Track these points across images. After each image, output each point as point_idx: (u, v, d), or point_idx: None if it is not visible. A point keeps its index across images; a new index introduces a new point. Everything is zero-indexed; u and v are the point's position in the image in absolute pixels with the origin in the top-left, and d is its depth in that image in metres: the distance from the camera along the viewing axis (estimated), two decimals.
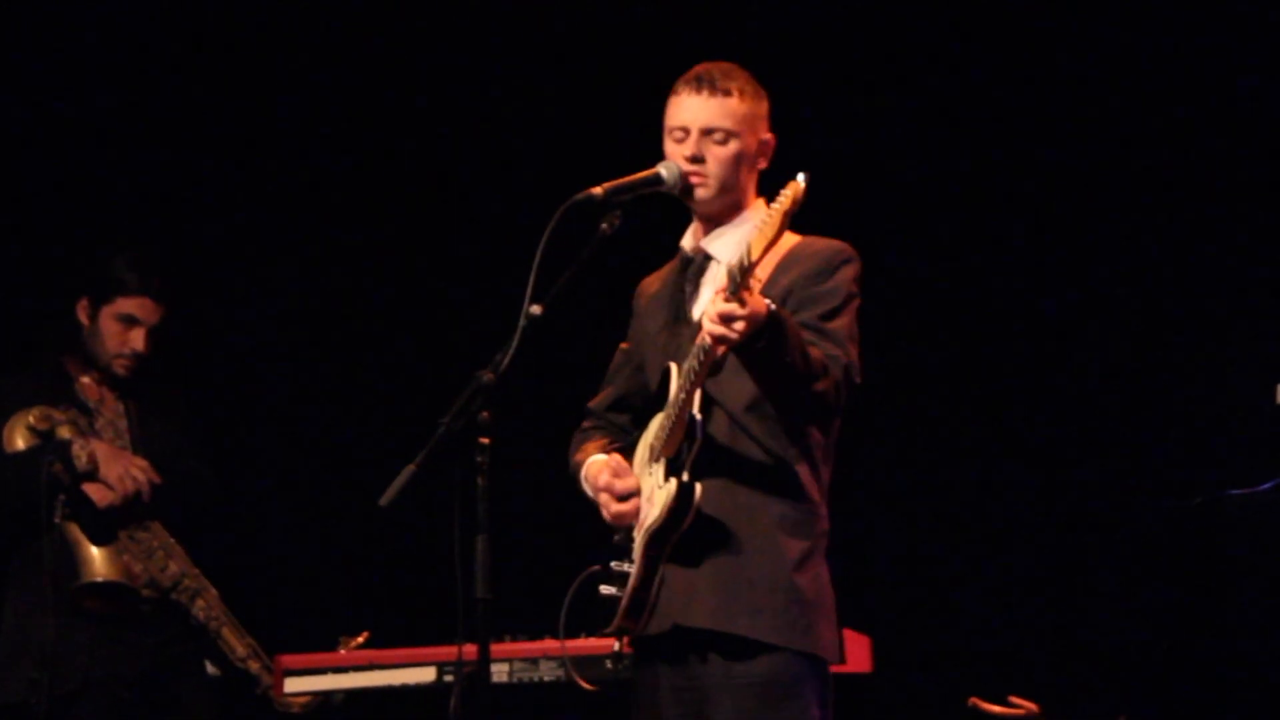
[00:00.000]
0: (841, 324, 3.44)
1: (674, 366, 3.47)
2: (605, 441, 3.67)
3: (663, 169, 3.50)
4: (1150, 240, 5.30)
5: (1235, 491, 4.30)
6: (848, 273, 3.48)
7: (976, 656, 5.23)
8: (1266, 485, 4.25)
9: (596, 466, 3.57)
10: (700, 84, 3.51)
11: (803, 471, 3.44)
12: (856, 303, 3.48)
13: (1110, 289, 5.35)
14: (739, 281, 3.17)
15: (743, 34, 5.35)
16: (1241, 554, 4.29)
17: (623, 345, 3.74)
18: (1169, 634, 4.51)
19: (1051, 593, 5.32)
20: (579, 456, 3.65)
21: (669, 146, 3.54)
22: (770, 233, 3.15)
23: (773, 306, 3.23)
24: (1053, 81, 5.37)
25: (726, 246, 3.50)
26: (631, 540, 3.49)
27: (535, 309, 3.33)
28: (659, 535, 3.41)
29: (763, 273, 3.39)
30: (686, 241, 3.62)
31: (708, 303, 3.28)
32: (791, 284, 3.45)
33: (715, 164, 3.51)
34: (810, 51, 5.48)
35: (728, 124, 3.50)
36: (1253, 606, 4.25)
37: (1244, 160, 5.20)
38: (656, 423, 3.47)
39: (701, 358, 3.34)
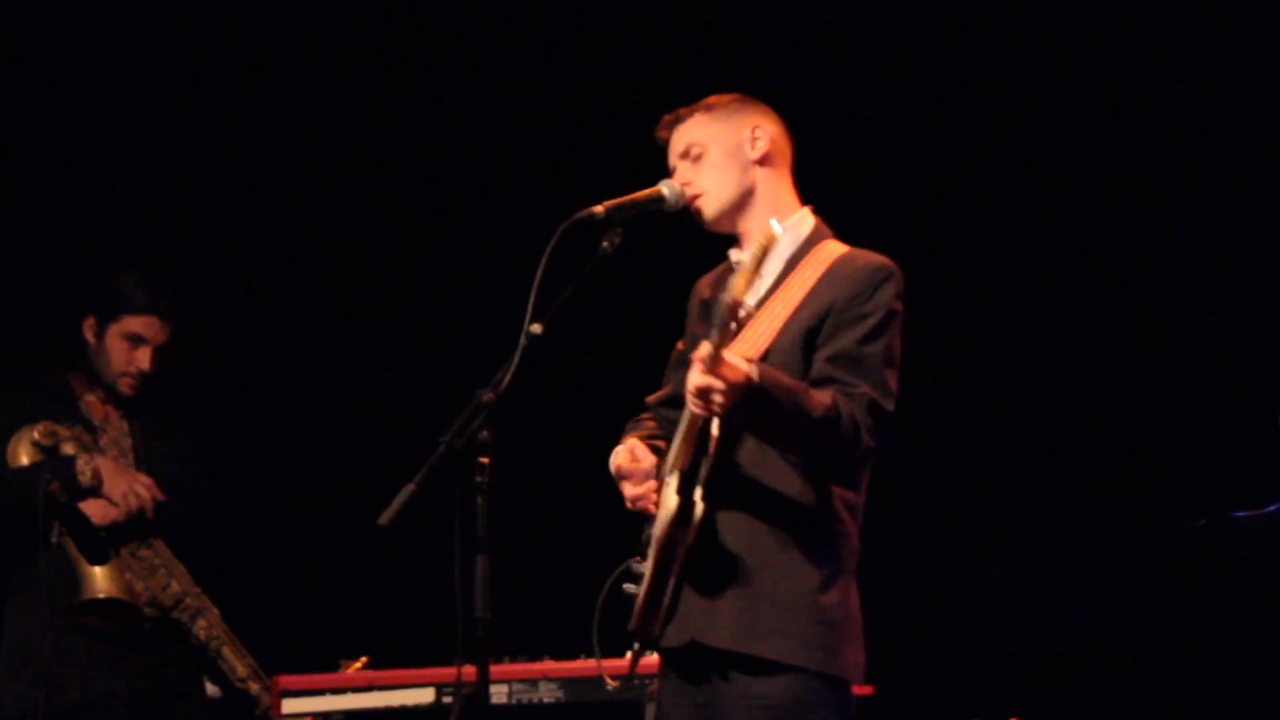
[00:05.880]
0: (877, 348, 3.40)
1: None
2: (652, 428, 3.64)
3: (664, 187, 3.52)
4: (1161, 261, 5.30)
5: (1240, 513, 4.30)
6: (889, 291, 3.44)
7: (978, 677, 5.22)
8: (1271, 508, 4.25)
9: (618, 451, 3.54)
10: (663, 126, 3.60)
11: (830, 489, 3.41)
12: (898, 322, 3.45)
13: (1119, 308, 5.34)
14: (719, 344, 3.15)
15: (749, 42, 5.36)
16: (1245, 575, 4.29)
17: (679, 344, 3.71)
18: (1173, 654, 4.50)
19: (1055, 615, 5.30)
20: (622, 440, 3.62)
21: None
22: (748, 276, 3.14)
23: (753, 378, 3.21)
24: (1081, 93, 5.38)
25: None
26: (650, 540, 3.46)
27: (536, 327, 3.33)
28: (663, 548, 3.37)
29: (804, 287, 3.43)
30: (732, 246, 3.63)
31: (690, 373, 3.25)
32: (832, 301, 3.43)
33: (700, 177, 3.54)
34: (815, 53, 5.49)
35: (694, 137, 3.55)
36: (1255, 628, 4.24)
37: (1258, 181, 5.21)
38: (678, 430, 3.43)
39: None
